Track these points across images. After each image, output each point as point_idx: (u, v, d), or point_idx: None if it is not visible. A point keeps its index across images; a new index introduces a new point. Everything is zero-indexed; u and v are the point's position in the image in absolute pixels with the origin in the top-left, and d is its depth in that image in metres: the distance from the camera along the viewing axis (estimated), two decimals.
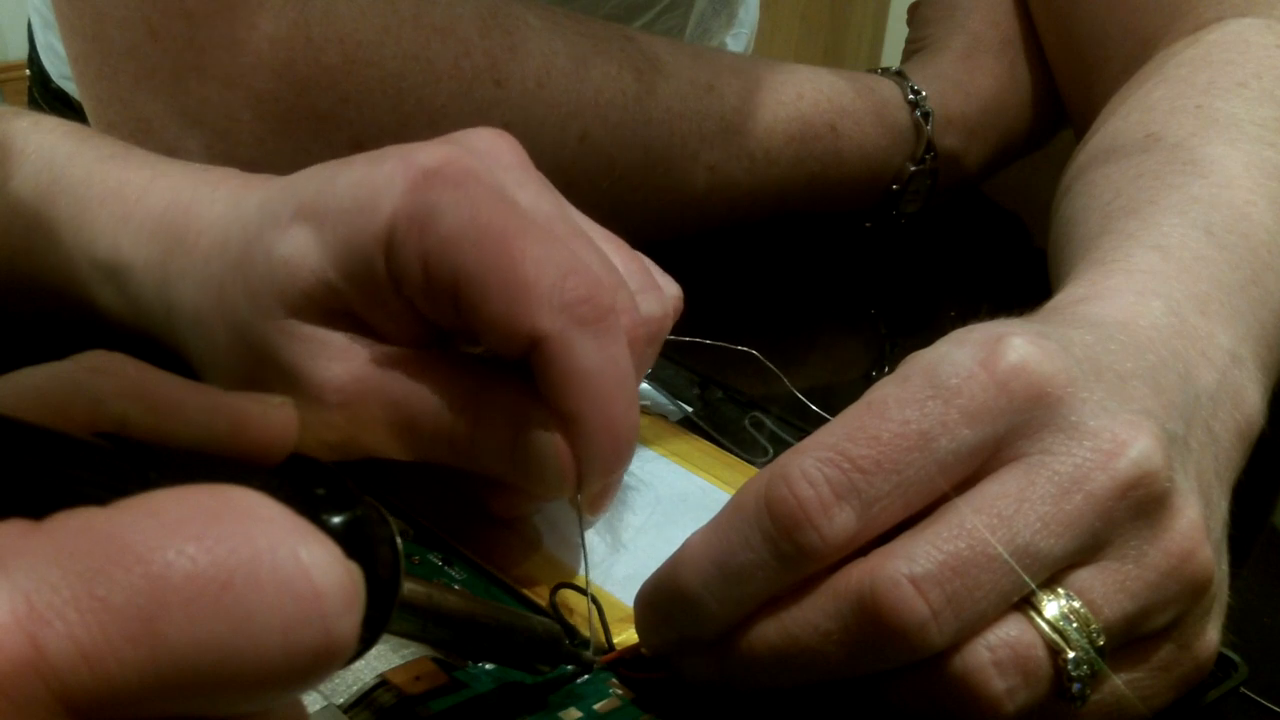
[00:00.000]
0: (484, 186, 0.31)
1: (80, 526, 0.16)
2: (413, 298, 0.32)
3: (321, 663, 0.17)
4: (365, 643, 0.22)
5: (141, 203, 0.38)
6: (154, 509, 0.17)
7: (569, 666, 0.30)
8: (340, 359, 0.33)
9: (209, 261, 0.35)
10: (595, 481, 0.32)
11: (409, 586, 0.24)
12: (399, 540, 0.22)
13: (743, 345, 0.45)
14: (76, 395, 0.22)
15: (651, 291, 0.35)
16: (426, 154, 0.32)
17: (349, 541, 0.20)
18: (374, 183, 0.32)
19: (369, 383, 0.32)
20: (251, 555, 0.16)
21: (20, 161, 0.42)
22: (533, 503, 0.35)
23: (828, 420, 0.28)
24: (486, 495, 0.35)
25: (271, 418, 0.23)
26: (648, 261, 0.36)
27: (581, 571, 0.34)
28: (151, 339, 0.38)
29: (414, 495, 0.36)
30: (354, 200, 0.32)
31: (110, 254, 0.38)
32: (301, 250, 0.32)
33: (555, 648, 0.29)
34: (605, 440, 0.30)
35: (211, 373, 0.36)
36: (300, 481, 0.22)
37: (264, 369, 0.33)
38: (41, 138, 0.42)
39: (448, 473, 0.37)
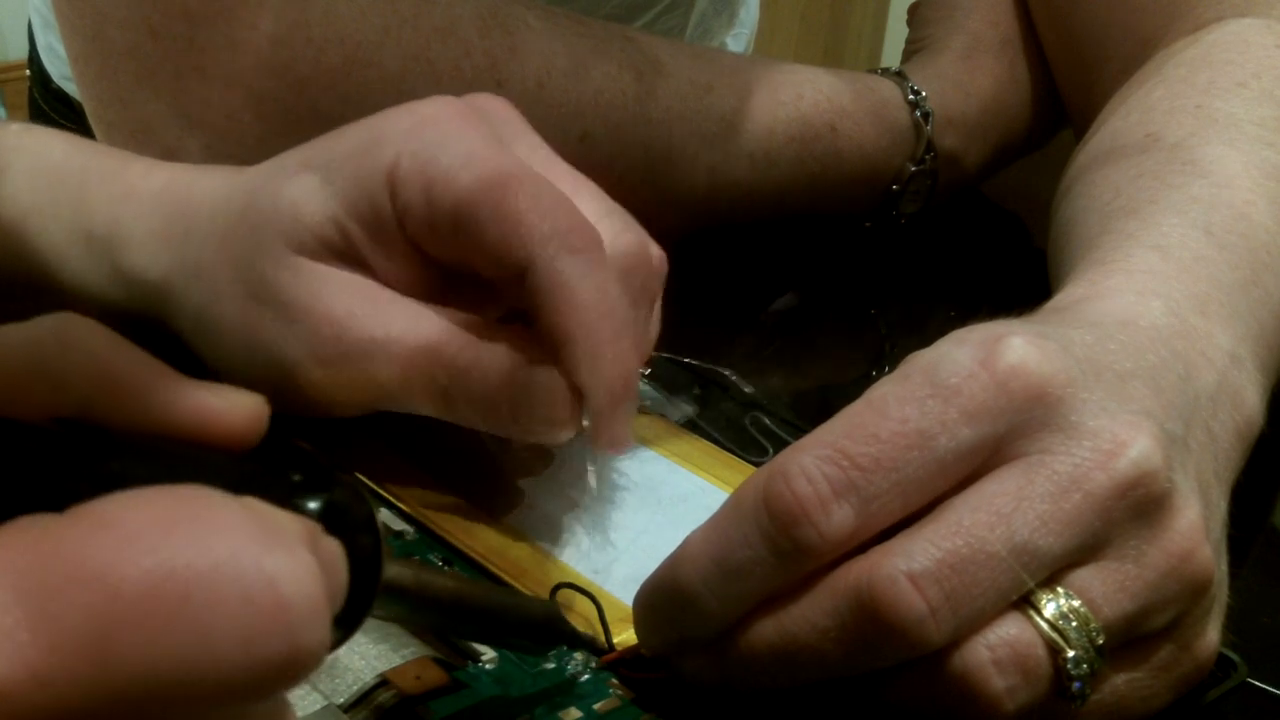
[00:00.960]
0: (481, 129, 0.34)
1: (32, 540, 0.16)
2: (416, 233, 0.33)
3: (287, 675, 0.16)
4: (348, 628, 0.21)
5: (142, 182, 0.39)
6: (109, 519, 0.16)
7: (566, 650, 0.30)
8: (340, 293, 0.34)
9: (214, 217, 0.36)
10: (597, 409, 0.32)
11: (394, 569, 0.24)
12: (381, 521, 0.22)
13: (742, 345, 0.45)
14: (38, 378, 0.21)
15: (634, 231, 0.36)
16: (428, 104, 0.35)
17: (326, 526, 0.19)
18: (379, 128, 0.34)
19: (367, 320, 0.33)
20: (211, 566, 0.16)
21: (17, 155, 0.42)
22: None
23: (808, 429, 0.28)
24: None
25: (237, 412, 0.23)
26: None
27: (580, 564, 0.34)
28: (136, 317, 0.38)
29: (415, 494, 0.36)
30: (359, 144, 0.34)
31: (108, 227, 0.39)
32: (309, 192, 0.34)
33: (552, 627, 0.29)
34: (597, 360, 0.32)
35: (207, 331, 0.36)
36: (274, 466, 0.21)
37: (264, 311, 0.34)
38: (35, 139, 0.43)
39: (451, 467, 0.37)
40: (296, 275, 0.34)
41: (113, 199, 0.39)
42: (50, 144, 0.42)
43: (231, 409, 0.23)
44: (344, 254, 0.34)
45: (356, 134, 0.35)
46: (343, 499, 0.21)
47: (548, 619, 0.29)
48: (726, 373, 0.44)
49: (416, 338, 0.33)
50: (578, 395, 0.32)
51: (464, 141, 0.33)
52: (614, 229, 0.35)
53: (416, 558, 0.34)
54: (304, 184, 0.34)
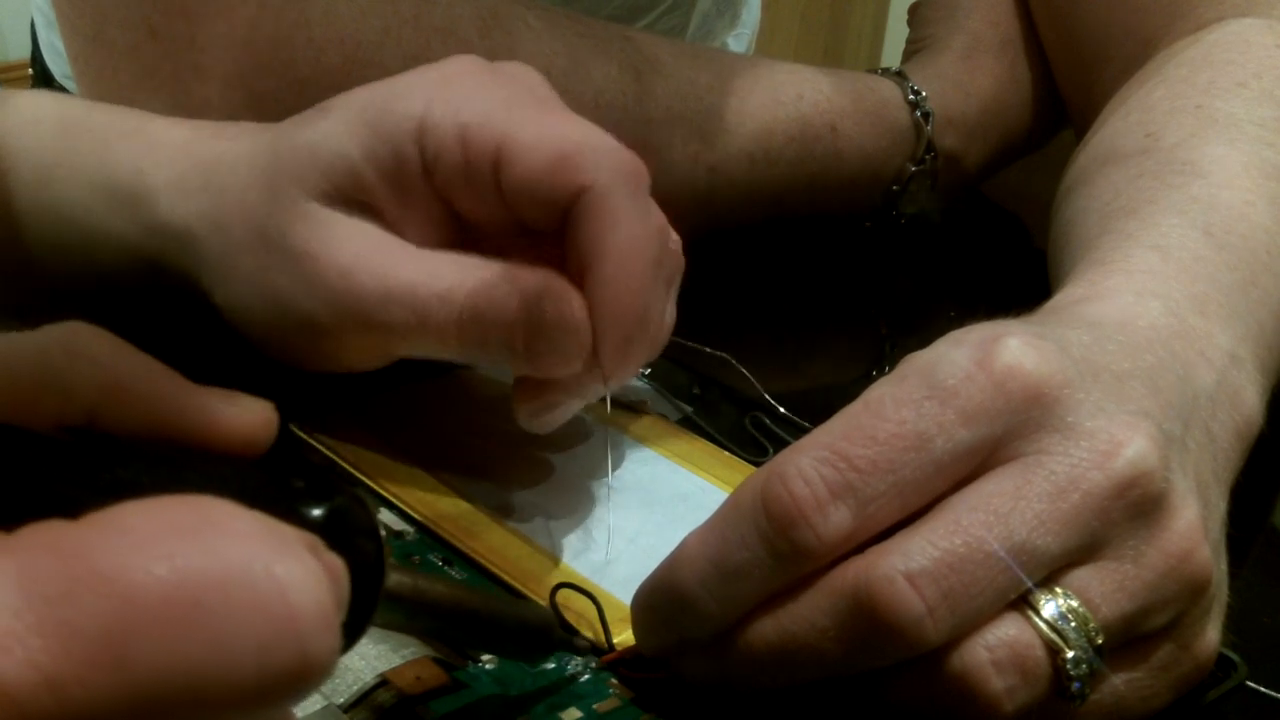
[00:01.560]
0: (510, 84, 0.34)
1: (45, 545, 0.16)
2: (446, 182, 0.33)
3: (297, 683, 0.16)
4: (350, 636, 0.22)
5: (165, 134, 0.40)
6: (123, 525, 0.16)
7: (564, 653, 0.30)
8: (350, 241, 0.34)
9: (235, 169, 0.36)
10: (616, 340, 0.32)
11: (394, 577, 0.24)
12: (382, 530, 0.22)
13: (741, 344, 0.45)
14: (46, 387, 0.21)
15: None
16: (453, 61, 0.34)
17: (329, 534, 0.19)
18: (404, 81, 0.34)
19: (377, 267, 0.33)
20: (223, 574, 0.16)
21: (39, 111, 0.42)
22: (559, 398, 0.35)
23: (808, 426, 0.28)
24: (515, 399, 0.35)
25: (245, 419, 0.23)
26: None
27: (579, 564, 0.34)
28: (159, 267, 0.39)
29: (415, 494, 0.36)
30: (383, 94, 0.34)
31: (132, 178, 0.39)
32: (326, 136, 0.34)
33: (548, 635, 0.29)
34: (630, 293, 0.31)
35: (225, 282, 0.36)
36: (278, 473, 0.22)
37: (278, 260, 0.34)
38: (55, 99, 0.43)
39: (452, 469, 0.37)
40: (309, 223, 0.34)
41: (135, 151, 0.39)
42: (71, 103, 0.43)
43: (240, 415, 0.23)
44: (358, 202, 0.34)
45: (379, 86, 0.35)
46: (346, 506, 0.21)
47: (545, 626, 0.29)
48: (724, 355, 0.44)
49: (429, 282, 0.33)
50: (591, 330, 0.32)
51: (500, 84, 0.33)
52: None
53: (416, 558, 0.34)
54: (322, 128, 0.34)
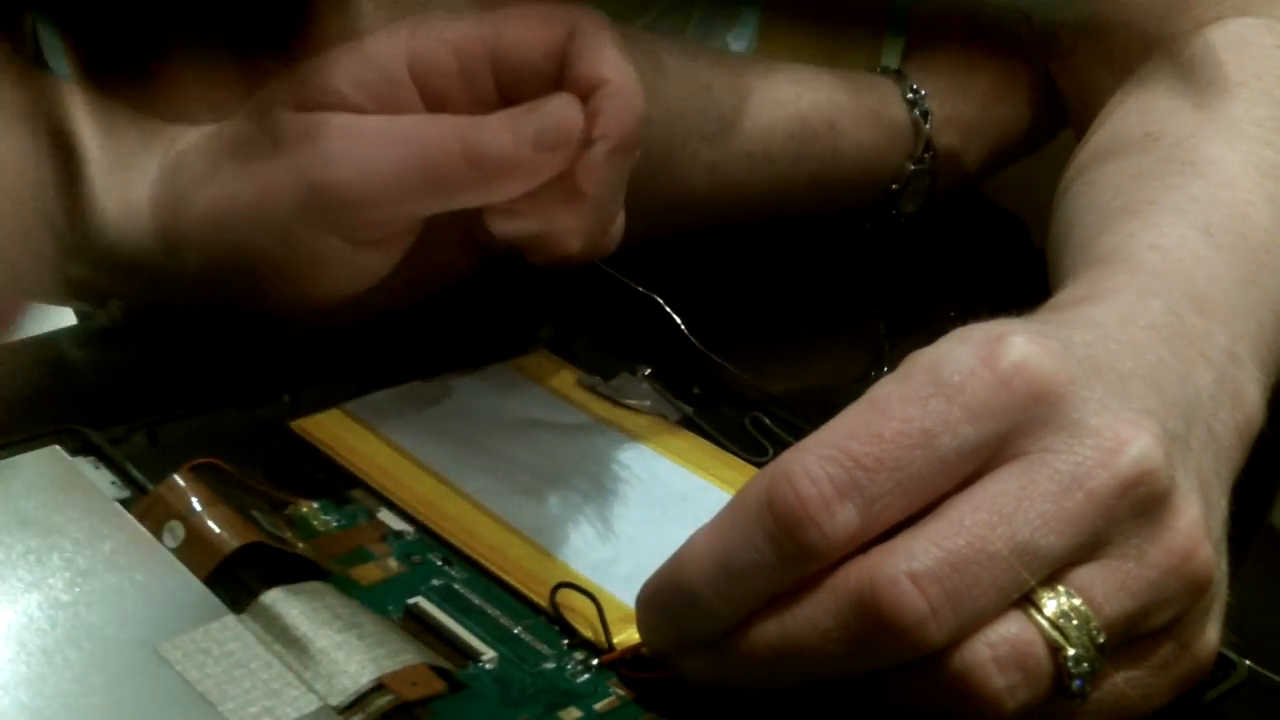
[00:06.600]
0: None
1: None
2: (438, 91, 0.37)
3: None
4: None
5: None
6: None
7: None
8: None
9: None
10: (606, 140, 0.35)
11: None
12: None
13: (741, 344, 0.45)
14: None
15: None
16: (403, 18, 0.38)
17: None
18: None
19: (379, 118, 0.36)
20: None
21: None
22: (535, 215, 0.38)
23: (808, 427, 0.28)
24: (488, 216, 0.38)
25: None
26: None
27: (580, 564, 0.34)
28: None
29: (415, 494, 0.36)
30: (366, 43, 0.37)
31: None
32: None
33: None
34: (624, 98, 0.36)
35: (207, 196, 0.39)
36: None
37: (277, 152, 0.37)
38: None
39: (452, 465, 0.37)
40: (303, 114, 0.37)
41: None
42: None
43: None
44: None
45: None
46: None
47: None
48: (652, 295, 0.44)
49: (428, 118, 0.36)
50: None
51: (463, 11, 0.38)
52: None
53: (417, 558, 0.34)
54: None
